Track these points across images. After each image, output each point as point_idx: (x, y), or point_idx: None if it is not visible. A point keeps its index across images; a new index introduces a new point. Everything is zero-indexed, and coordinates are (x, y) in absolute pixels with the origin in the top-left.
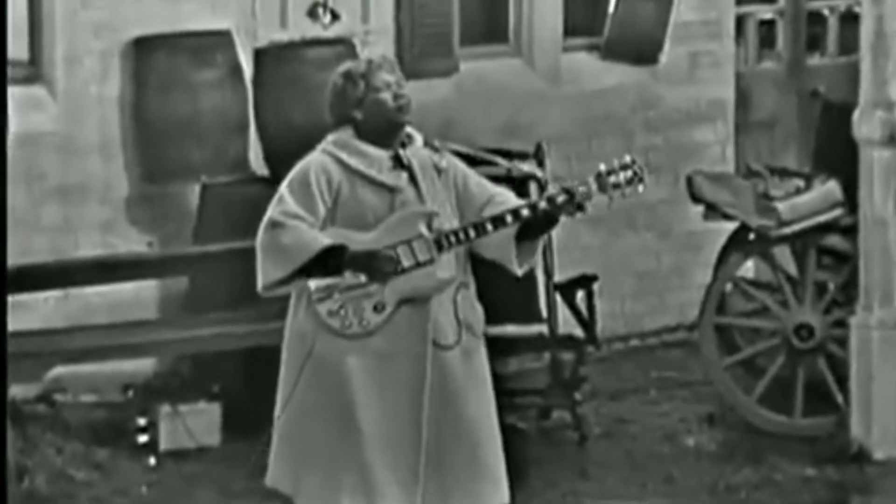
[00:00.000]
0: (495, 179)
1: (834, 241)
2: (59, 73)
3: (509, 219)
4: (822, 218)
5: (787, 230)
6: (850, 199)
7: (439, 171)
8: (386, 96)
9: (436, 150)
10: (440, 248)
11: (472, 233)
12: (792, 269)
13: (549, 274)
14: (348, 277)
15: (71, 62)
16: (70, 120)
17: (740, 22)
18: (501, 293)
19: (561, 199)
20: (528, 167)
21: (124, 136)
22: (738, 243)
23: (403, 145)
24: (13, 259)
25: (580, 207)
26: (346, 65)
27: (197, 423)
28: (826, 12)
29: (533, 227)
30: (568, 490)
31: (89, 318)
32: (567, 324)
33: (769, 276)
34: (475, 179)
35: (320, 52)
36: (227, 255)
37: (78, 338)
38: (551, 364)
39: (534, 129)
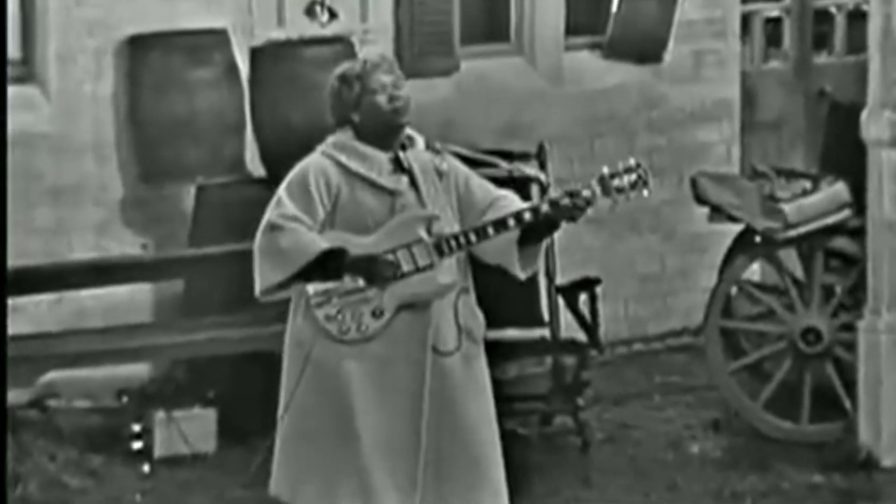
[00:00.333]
0: (496, 181)
1: (841, 243)
2: (52, 72)
3: (511, 223)
4: (829, 220)
5: (794, 232)
6: (858, 201)
7: (440, 174)
8: (381, 99)
9: (437, 152)
10: (441, 252)
11: (473, 237)
12: (799, 272)
13: (550, 277)
14: (347, 282)
15: (64, 61)
16: (63, 120)
17: (746, 20)
18: (502, 296)
19: (564, 202)
20: (529, 169)
21: (119, 136)
22: (743, 246)
23: (404, 148)
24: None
25: (583, 211)
26: (343, 66)
27: (192, 429)
28: (833, 10)
29: (535, 231)
30: (570, 497)
31: (83, 322)
32: (569, 328)
33: (775, 279)
34: (477, 182)
35: (318, 50)
36: (224, 257)
37: (71, 342)
38: (553, 369)
39: (535, 129)
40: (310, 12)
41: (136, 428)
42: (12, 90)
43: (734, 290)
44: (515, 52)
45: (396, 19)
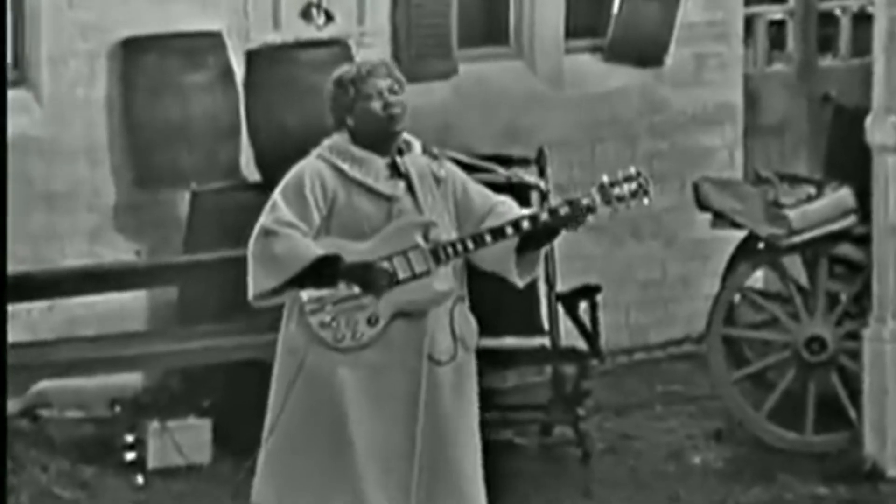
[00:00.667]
0: (495, 187)
1: (846, 250)
2: (44, 76)
3: (510, 231)
4: (833, 226)
5: (798, 239)
6: (863, 207)
7: (438, 179)
8: (375, 105)
9: (435, 157)
10: (437, 259)
11: (470, 244)
12: (803, 280)
13: (550, 284)
14: (342, 289)
15: (56, 64)
16: (55, 124)
17: (749, 22)
18: (501, 304)
19: (563, 211)
20: (528, 176)
21: (112, 140)
22: (746, 252)
23: (401, 152)
24: None
25: (582, 220)
26: (340, 69)
27: (186, 439)
28: (838, 12)
29: (534, 239)
30: None
31: (75, 330)
32: (569, 336)
33: (779, 286)
34: (476, 188)
35: (314, 53)
36: (219, 264)
37: (63, 350)
38: (553, 378)
39: (535, 133)
40: (306, 15)
41: (130, 438)
42: None
43: (737, 297)
44: (514, 55)
45: (393, 22)
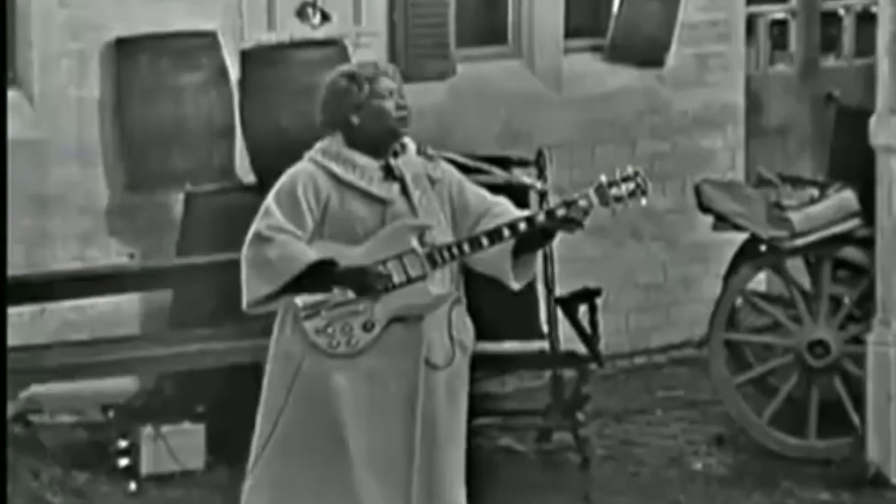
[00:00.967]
0: (493, 189)
1: (850, 252)
2: (35, 76)
3: (506, 233)
4: (837, 229)
5: (801, 241)
6: (867, 209)
7: (433, 181)
8: (389, 105)
9: (430, 158)
10: (433, 263)
11: (466, 247)
12: (806, 283)
13: (549, 287)
14: (336, 294)
15: (47, 64)
16: (47, 125)
17: (751, 22)
18: (499, 308)
19: (560, 212)
20: (526, 178)
21: (104, 142)
22: (748, 255)
23: (395, 154)
24: None
25: (580, 222)
26: (350, 66)
27: (180, 445)
28: (841, 12)
29: (530, 241)
30: None
31: (67, 334)
32: (569, 340)
33: (782, 289)
34: (472, 190)
35: (309, 53)
36: (213, 267)
37: (55, 355)
38: (552, 383)
39: (534, 135)
40: (301, 14)
41: (123, 444)
42: None
43: (739, 301)
44: (513, 54)
45: (390, 21)
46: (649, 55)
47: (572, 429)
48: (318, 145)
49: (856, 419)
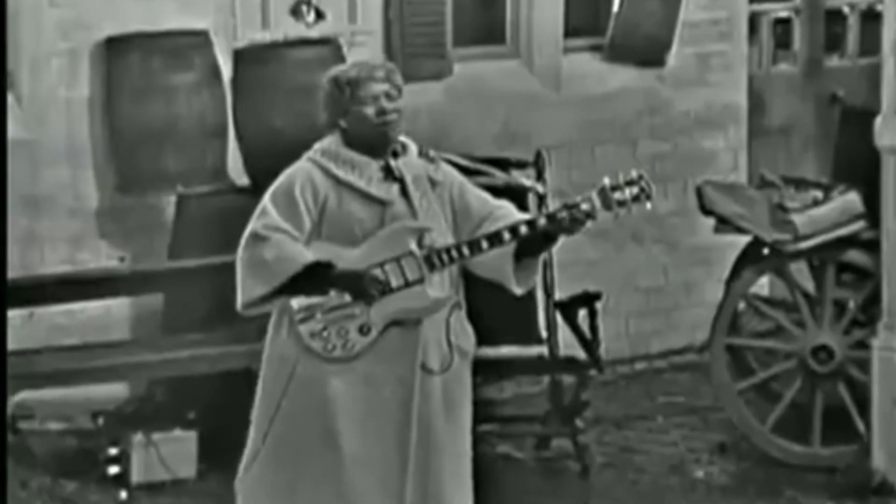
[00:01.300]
0: (491, 190)
1: (854, 256)
2: (24, 76)
3: (506, 237)
4: (841, 231)
5: (804, 244)
6: (872, 212)
7: (434, 183)
8: (369, 111)
9: (431, 160)
10: (431, 266)
11: (466, 251)
12: (809, 287)
13: (548, 291)
14: (332, 297)
15: (37, 63)
16: (36, 126)
17: (753, 21)
18: (497, 312)
19: (562, 216)
20: (525, 179)
21: (94, 143)
22: (751, 258)
23: (396, 155)
24: None
25: (582, 225)
26: (339, 68)
27: (172, 452)
28: (846, 10)
29: (532, 245)
30: None
31: (56, 339)
32: (568, 345)
33: (785, 293)
34: (474, 192)
35: (304, 53)
36: (205, 270)
37: (44, 360)
38: (551, 388)
39: (532, 135)
40: (295, 12)
41: (113, 451)
42: None
43: (741, 305)
44: (511, 54)
45: (386, 20)
46: (650, 54)
47: (571, 436)
48: (318, 145)
49: (861, 426)
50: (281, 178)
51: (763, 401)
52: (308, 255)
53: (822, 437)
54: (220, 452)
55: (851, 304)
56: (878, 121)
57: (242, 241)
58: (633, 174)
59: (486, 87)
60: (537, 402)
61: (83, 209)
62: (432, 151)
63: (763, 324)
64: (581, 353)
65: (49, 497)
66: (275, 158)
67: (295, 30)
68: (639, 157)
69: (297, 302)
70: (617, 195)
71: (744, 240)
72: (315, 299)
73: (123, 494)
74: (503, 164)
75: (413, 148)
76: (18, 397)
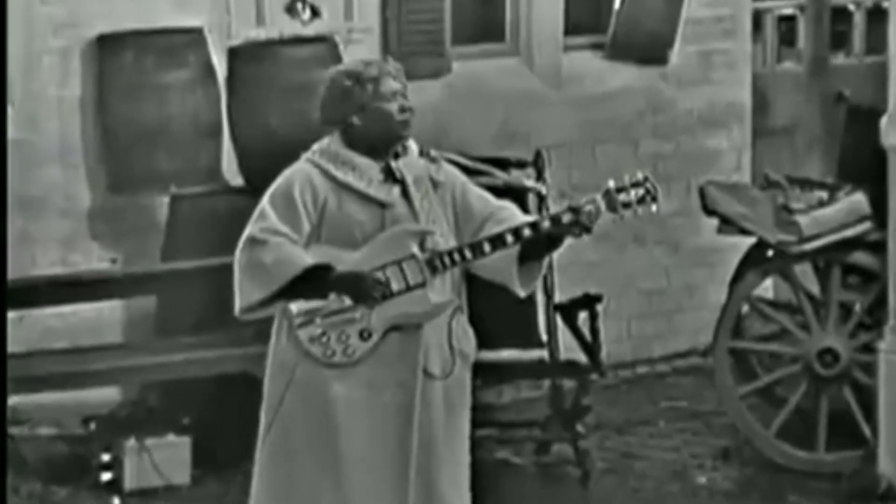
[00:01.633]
0: (490, 190)
1: (860, 257)
2: (15, 75)
3: (509, 239)
4: (847, 233)
5: (809, 246)
6: (878, 213)
7: (435, 183)
8: (393, 107)
9: (433, 161)
10: (433, 269)
11: (468, 253)
12: (814, 289)
13: (549, 294)
14: (332, 301)
15: (28, 62)
16: (27, 125)
17: (757, 18)
18: (497, 315)
19: (566, 218)
20: (525, 179)
21: (86, 142)
22: (755, 260)
23: (396, 156)
24: None
25: (587, 228)
26: (355, 64)
27: (165, 458)
28: (852, 8)
29: (536, 247)
30: None
31: (48, 343)
32: (568, 348)
33: (789, 295)
34: (477, 193)
35: (299, 51)
36: (199, 273)
37: (35, 364)
38: (551, 393)
39: (532, 134)
40: (291, 10)
41: (105, 457)
42: None
43: (745, 307)
44: (511, 52)
45: (383, 17)
46: (652, 52)
47: (572, 441)
48: (316, 145)
49: (866, 431)
50: (279, 180)
51: (767, 405)
52: (307, 258)
53: (826, 442)
54: (215, 458)
55: (857, 307)
56: (885, 120)
57: (240, 245)
58: (639, 176)
59: (486, 85)
60: (537, 407)
61: (75, 210)
62: (434, 151)
63: (767, 327)
64: (582, 357)
65: (41, 503)
66: (270, 158)
67: (290, 27)
68: (640, 157)
69: (296, 306)
70: (622, 197)
71: (747, 241)
72: (314, 304)
73: (116, 501)
74: (503, 164)
75: (414, 148)
76: (9, 402)
